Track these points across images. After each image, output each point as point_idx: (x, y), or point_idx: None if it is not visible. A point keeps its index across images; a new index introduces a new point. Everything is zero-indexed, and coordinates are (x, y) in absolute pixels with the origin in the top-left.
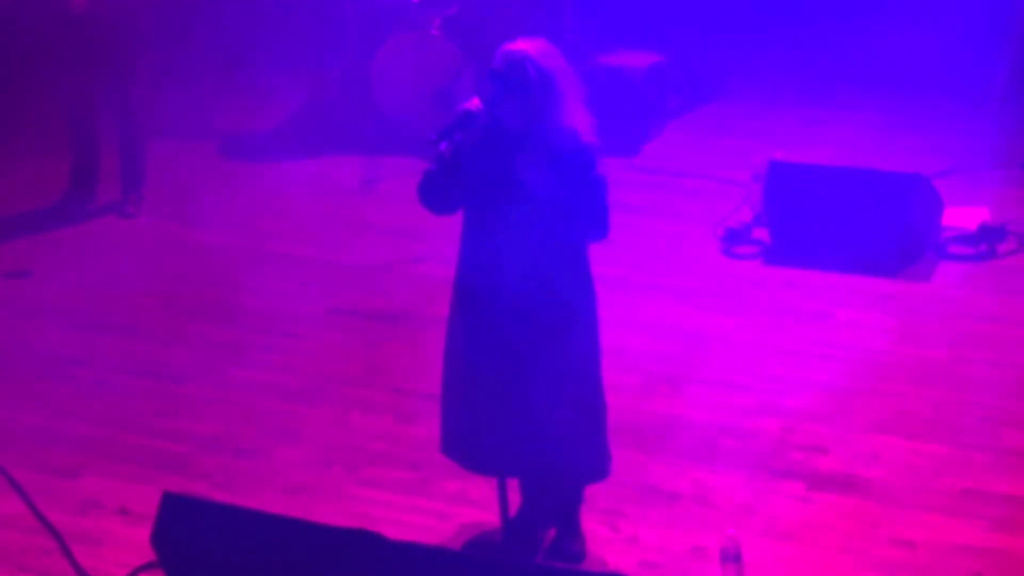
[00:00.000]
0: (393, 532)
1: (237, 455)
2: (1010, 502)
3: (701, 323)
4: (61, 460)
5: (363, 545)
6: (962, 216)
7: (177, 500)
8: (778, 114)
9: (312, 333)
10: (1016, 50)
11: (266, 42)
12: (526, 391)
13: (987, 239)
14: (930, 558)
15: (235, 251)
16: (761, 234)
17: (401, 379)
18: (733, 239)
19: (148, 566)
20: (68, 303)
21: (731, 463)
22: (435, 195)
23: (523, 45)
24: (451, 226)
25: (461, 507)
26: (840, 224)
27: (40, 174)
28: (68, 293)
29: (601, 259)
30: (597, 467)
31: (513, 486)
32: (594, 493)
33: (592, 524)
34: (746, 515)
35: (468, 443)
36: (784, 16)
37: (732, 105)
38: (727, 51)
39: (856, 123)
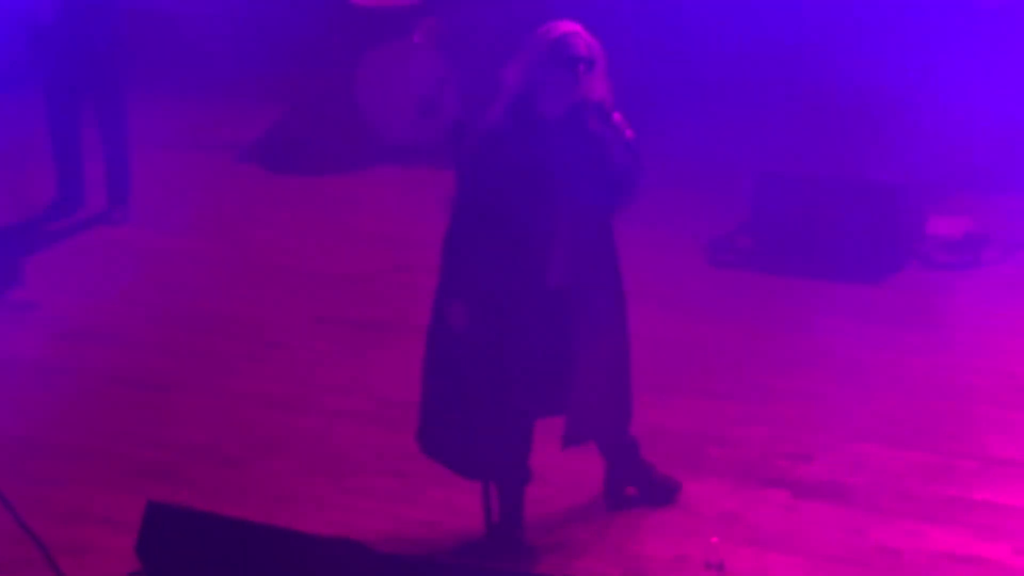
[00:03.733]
0: (378, 541)
1: (222, 464)
2: (994, 510)
3: (686, 331)
4: (45, 469)
5: (348, 555)
6: (947, 224)
7: (162, 509)
8: (765, 121)
9: (297, 342)
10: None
11: (250, 51)
12: (580, 363)
13: (971, 247)
14: (914, 566)
15: (221, 260)
16: (746, 242)
17: (386, 388)
18: (718, 247)
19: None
20: (54, 311)
21: (716, 471)
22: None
23: (575, 26)
24: (434, 234)
25: (446, 516)
26: (825, 232)
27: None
28: (54, 301)
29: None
30: (631, 411)
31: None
32: (576, 501)
33: (576, 532)
34: (731, 523)
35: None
36: (776, 23)
37: (715, 113)
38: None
39: (837, 131)
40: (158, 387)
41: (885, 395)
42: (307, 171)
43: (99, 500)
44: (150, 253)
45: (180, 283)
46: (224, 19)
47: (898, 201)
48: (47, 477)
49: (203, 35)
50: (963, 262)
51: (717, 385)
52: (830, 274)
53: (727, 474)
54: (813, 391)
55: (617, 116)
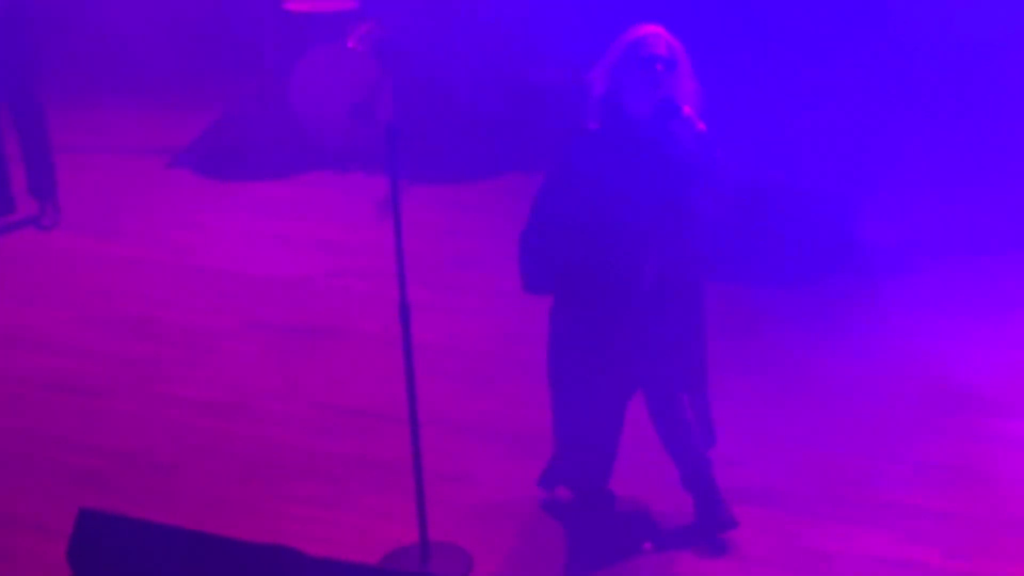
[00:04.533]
0: (312, 548)
1: (154, 470)
2: (926, 514)
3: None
4: None
5: (282, 561)
6: (878, 228)
7: (94, 516)
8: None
9: (230, 347)
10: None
11: (184, 55)
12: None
13: (903, 251)
14: (845, 570)
15: (153, 265)
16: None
17: (320, 393)
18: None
19: None
20: None
21: (652, 477)
22: None
23: (656, 28)
24: (368, 239)
25: (380, 522)
26: (778, 238)
27: None
28: None
29: (514, 275)
30: (711, 434)
31: (431, 501)
32: (514, 506)
33: (510, 538)
34: (665, 528)
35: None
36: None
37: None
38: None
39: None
40: (89, 393)
41: (818, 399)
42: (241, 176)
43: (30, 507)
44: (81, 258)
45: (111, 288)
46: (158, 23)
47: (831, 206)
48: None
49: (137, 40)
50: (891, 267)
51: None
52: (766, 278)
53: (663, 479)
54: (746, 396)
55: (687, 109)
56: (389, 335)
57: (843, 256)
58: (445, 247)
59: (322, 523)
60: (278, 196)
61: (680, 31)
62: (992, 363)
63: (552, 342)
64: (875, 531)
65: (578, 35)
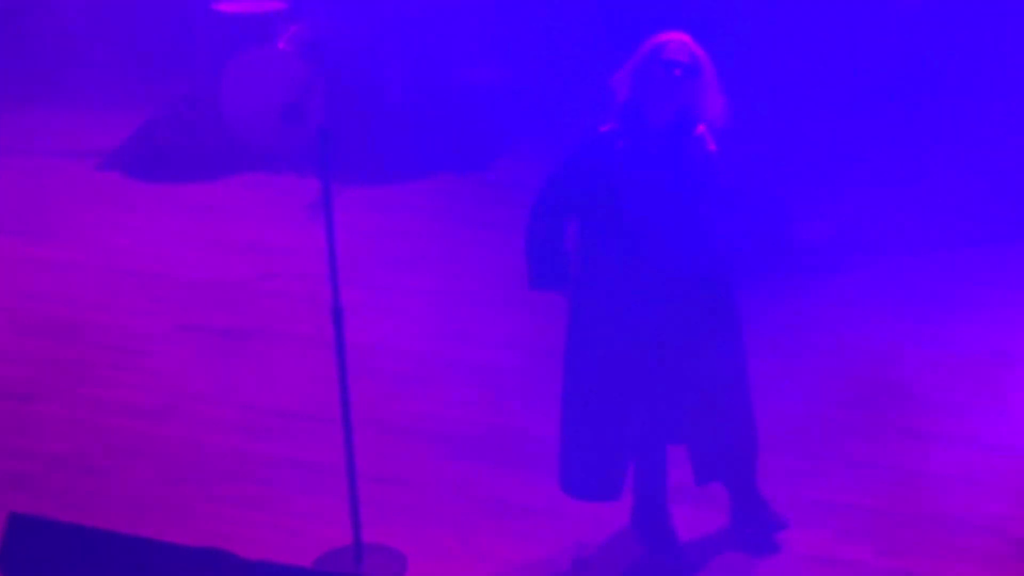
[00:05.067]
0: (245, 550)
1: (86, 474)
2: (856, 512)
3: (550, 336)
4: None
5: (214, 564)
6: (808, 227)
7: (24, 521)
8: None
9: (161, 350)
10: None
11: (113, 57)
12: (688, 402)
13: (836, 250)
14: (777, 569)
15: (84, 267)
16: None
17: (251, 396)
18: None
19: None
20: None
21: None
22: None
23: (679, 35)
24: (300, 240)
25: (312, 523)
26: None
27: None
28: None
29: (451, 274)
30: (755, 443)
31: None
32: (446, 507)
33: (444, 539)
34: (600, 527)
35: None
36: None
37: (580, 118)
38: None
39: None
40: (19, 396)
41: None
42: (171, 178)
43: None
44: (10, 261)
45: (41, 291)
46: (88, 25)
47: (764, 206)
48: None
49: (67, 41)
50: (820, 265)
51: None
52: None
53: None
54: None
55: (700, 128)
56: (322, 336)
57: (772, 255)
58: (377, 248)
59: (255, 525)
60: (209, 198)
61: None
62: (920, 361)
63: (570, 346)
64: (807, 530)
65: (507, 35)
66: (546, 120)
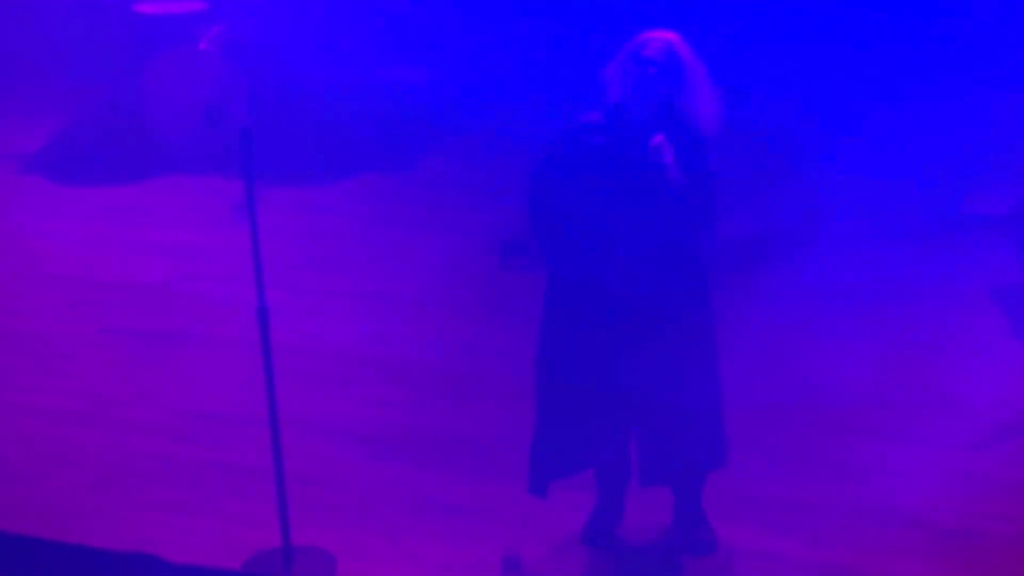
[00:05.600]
0: (172, 554)
1: (9, 480)
2: (782, 505)
3: (478, 335)
4: None
5: (142, 569)
6: (733, 226)
7: None
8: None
9: (84, 354)
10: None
11: (33, 59)
12: (652, 390)
13: (755, 247)
14: (712, 563)
15: (5, 273)
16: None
17: (176, 398)
18: (509, 251)
19: None
20: None
21: (511, 474)
22: None
23: (664, 34)
24: (224, 242)
25: (241, 527)
26: None
27: None
28: None
29: (378, 274)
30: (720, 455)
31: (293, 504)
32: (375, 508)
33: (373, 539)
34: (528, 525)
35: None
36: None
37: (503, 117)
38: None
39: None
40: None
41: None
42: (93, 181)
43: None
44: None
45: None
46: (4, 27)
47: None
48: None
49: None
50: (746, 262)
51: (513, 387)
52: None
53: (522, 476)
54: None
55: (659, 138)
56: (246, 338)
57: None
58: (301, 249)
59: (182, 530)
60: (131, 201)
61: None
62: (847, 354)
63: (543, 334)
64: (738, 524)
65: (431, 34)
66: (469, 119)
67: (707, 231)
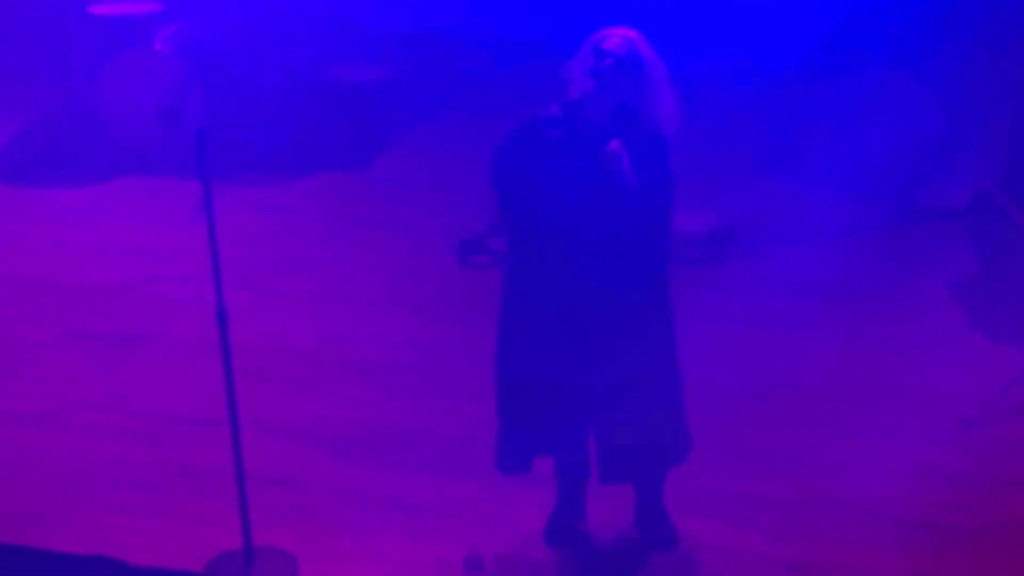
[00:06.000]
0: (134, 557)
1: None
2: (745, 500)
3: (438, 334)
4: None
5: (104, 572)
6: (691, 220)
7: None
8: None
9: (45, 357)
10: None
11: None
12: (609, 387)
13: (715, 243)
14: (671, 559)
15: None
16: (496, 243)
17: (137, 401)
18: (468, 249)
19: None
20: None
21: (474, 473)
22: None
23: (626, 31)
24: (182, 244)
25: (202, 528)
26: None
27: None
28: None
29: (336, 274)
30: (682, 449)
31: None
32: (337, 508)
33: (336, 540)
34: (491, 524)
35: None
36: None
37: (461, 115)
38: (455, 61)
39: None
40: None
41: None
42: (50, 183)
43: None
44: None
45: None
46: None
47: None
48: None
49: None
50: (707, 257)
51: (473, 385)
52: None
53: (486, 475)
54: None
55: (614, 144)
56: (206, 340)
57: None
58: (260, 249)
59: (144, 532)
60: (89, 203)
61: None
62: (807, 349)
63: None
64: (696, 519)
65: (389, 32)
66: (425, 118)
67: (664, 228)
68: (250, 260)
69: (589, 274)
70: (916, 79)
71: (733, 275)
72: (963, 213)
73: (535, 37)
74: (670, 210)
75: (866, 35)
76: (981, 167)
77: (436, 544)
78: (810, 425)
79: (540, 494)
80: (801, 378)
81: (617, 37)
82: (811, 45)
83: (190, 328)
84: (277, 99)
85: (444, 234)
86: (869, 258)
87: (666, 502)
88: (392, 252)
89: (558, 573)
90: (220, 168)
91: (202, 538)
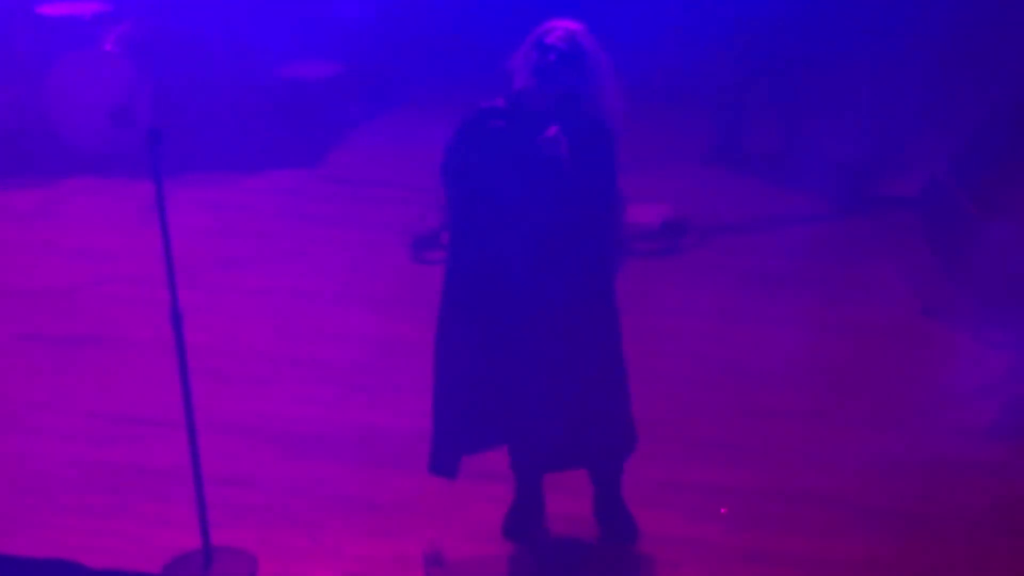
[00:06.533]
0: (92, 559)
1: None
2: (703, 491)
3: (394, 330)
4: None
5: (62, 575)
6: (645, 213)
7: None
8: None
9: None
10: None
11: None
12: (558, 383)
13: (670, 234)
14: (628, 550)
15: None
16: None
17: (91, 403)
18: (422, 245)
19: None
20: None
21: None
22: None
23: (567, 23)
24: (134, 244)
25: (160, 529)
26: None
27: None
28: None
29: (292, 271)
30: (630, 438)
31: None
32: (294, 506)
33: (294, 538)
34: (449, 520)
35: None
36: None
37: (412, 112)
38: (406, 58)
39: None
40: None
41: None
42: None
43: None
44: None
45: None
46: None
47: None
48: None
49: None
50: (662, 249)
51: (427, 382)
52: None
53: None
54: None
55: (552, 130)
56: (161, 340)
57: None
58: (213, 248)
59: (102, 534)
60: (39, 204)
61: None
62: (761, 339)
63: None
64: (656, 511)
65: (336, 31)
66: (377, 114)
67: (608, 218)
68: (203, 259)
69: (532, 264)
70: (870, 73)
71: (687, 266)
72: (917, 202)
73: (487, 32)
74: (614, 199)
75: (819, 28)
76: (934, 158)
77: (394, 540)
78: (768, 415)
79: (498, 488)
80: (758, 368)
81: (559, 31)
82: (763, 37)
83: (144, 328)
84: (228, 97)
85: (397, 230)
86: (823, 247)
87: (625, 494)
88: (345, 249)
89: (517, 567)
90: (171, 167)
91: (160, 539)
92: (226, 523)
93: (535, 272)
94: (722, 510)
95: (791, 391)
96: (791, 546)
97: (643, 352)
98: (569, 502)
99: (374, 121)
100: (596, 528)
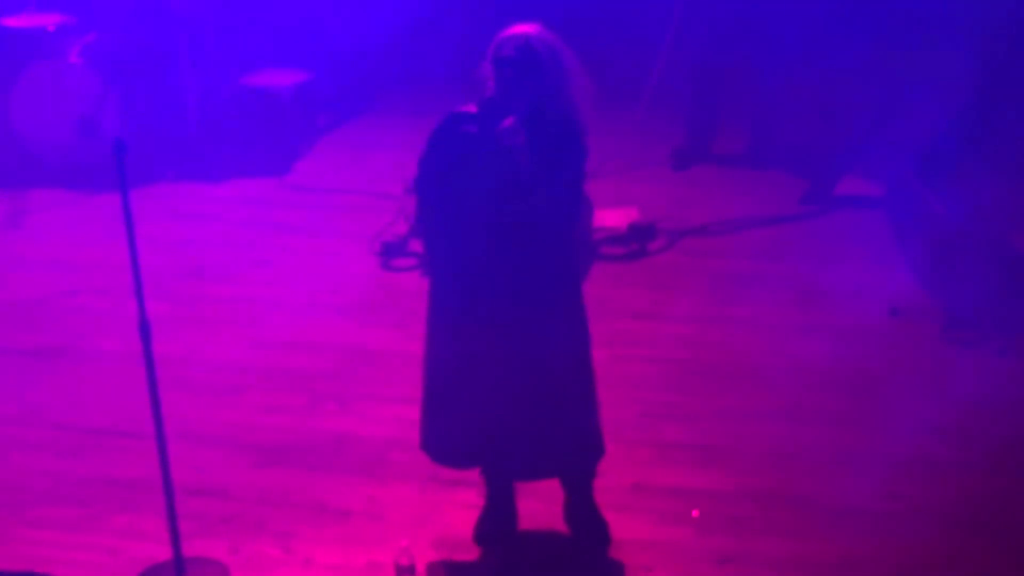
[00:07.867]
0: (63, 572)
1: None
2: (675, 494)
3: (363, 337)
4: None
5: None
6: (613, 217)
7: None
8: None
9: None
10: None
11: None
12: (526, 389)
13: (638, 238)
14: (600, 554)
15: None
16: (418, 246)
17: (60, 414)
18: (390, 252)
19: None
20: None
21: (402, 476)
22: None
23: (523, 28)
24: (101, 255)
25: (131, 541)
26: None
27: None
28: None
29: (260, 279)
30: (597, 447)
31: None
32: (265, 516)
33: (266, 547)
34: (420, 527)
35: (476, 452)
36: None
37: (380, 119)
38: (372, 66)
39: None
40: None
41: None
42: None
43: None
44: None
45: None
46: None
47: None
48: None
49: None
50: (630, 253)
51: (397, 390)
52: None
53: (413, 478)
54: None
55: (508, 121)
56: (129, 351)
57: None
58: (181, 258)
59: (72, 547)
60: (5, 216)
61: None
62: (730, 341)
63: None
64: (628, 515)
65: (308, 38)
66: (344, 122)
67: (576, 215)
68: (170, 269)
69: (497, 264)
70: (837, 69)
71: (655, 269)
72: (883, 202)
73: (455, 37)
74: (580, 195)
75: (788, 26)
76: (900, 153)
77: (366, 548)
78: (739, 418)
79: (469, 495)
80: (727, 371)
81: (514, 39)
82: (733, 37)
83: (112, 339)
84: (194, 107)
85: (366, 238)
86: (791, 249)
87: (597, 498)
88: (314, 257)
89: (489, 574)
90: (138, 178)
91: (131, 550)
92: (197, 533)
93: (501, 273)
94: (694, 513)
95: (762, 393)
96: (764, 548)
97: (612, 357)
98: (541, 507)
99: (341, 129)
100: (568, 532)
